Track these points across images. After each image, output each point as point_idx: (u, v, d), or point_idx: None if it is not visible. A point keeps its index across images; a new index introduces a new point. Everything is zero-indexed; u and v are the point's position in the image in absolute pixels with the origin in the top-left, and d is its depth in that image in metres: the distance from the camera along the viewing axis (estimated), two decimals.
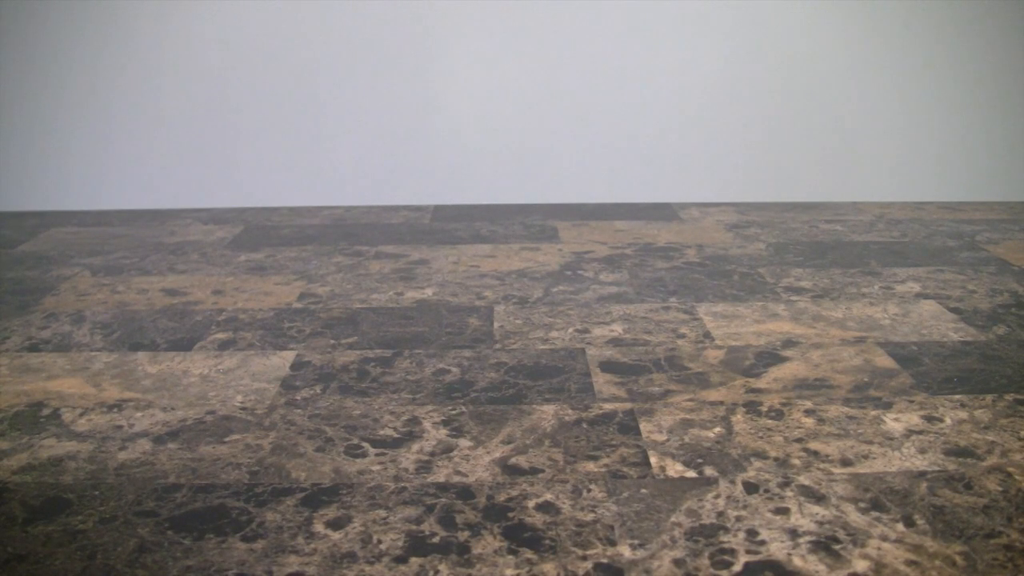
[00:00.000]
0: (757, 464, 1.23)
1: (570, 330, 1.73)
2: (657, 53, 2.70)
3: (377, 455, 1.27)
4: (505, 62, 2.70)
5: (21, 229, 2.56)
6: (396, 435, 1.32)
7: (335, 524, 1.10)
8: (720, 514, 1.11)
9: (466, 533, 1.08)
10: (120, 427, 1.36)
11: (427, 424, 1.36)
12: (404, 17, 2.66)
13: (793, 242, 2.35)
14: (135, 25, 2.65)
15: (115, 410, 1.42)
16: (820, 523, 1.09)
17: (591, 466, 1.23)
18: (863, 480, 1.19)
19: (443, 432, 1.33)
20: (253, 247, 2.34)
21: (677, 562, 1.02)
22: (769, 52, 2.70)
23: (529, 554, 1.04)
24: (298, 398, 1.45)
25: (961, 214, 2.65)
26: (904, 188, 2.82)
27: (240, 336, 1.72)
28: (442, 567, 1.02)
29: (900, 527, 1.08)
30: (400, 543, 1.06)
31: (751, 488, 1.17)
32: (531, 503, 1.14)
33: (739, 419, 1.36)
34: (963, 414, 1.38)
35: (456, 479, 1.20)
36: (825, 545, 1.05)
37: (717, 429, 1.33)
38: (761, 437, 1.31)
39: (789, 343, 1.66)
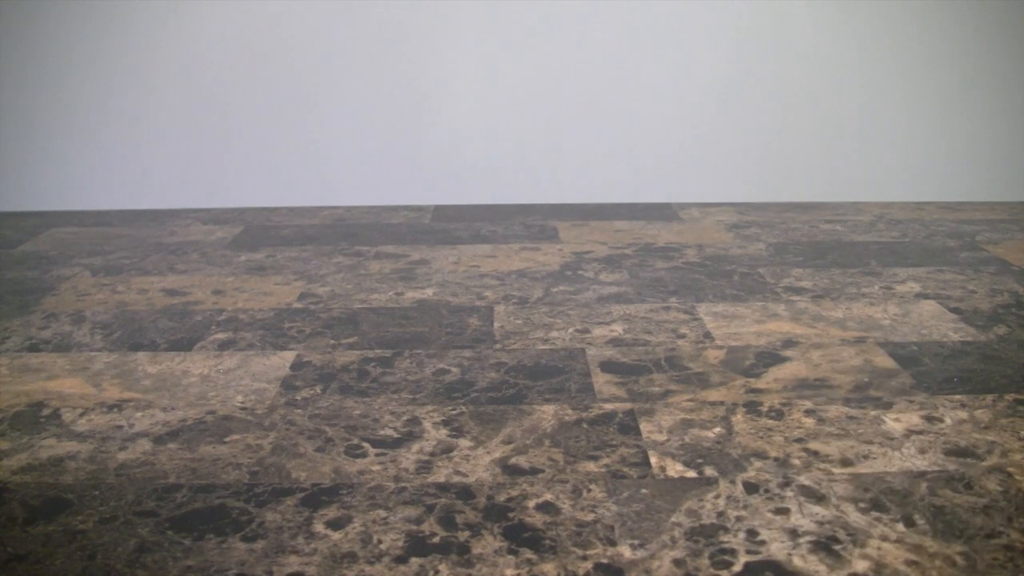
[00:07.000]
0: (757, 464, 1.23)
1: (570, 330, 1.73)
2: (657, 53, 2.70)
3: (377, 455, 1.27)
4: (505, 62, 2.70)
5: (21, 229, 2.56)
6: (396, 435, 1.32)
7: (335, 524, 1.10)
8: (720, 514, 1.11)
9: (466, 533, 1.08)
10: (120, 427, 1.36)
11: (427, 424, 1.36)
12: (404, 17, 2.66)
13: (793, 242, 2.35)
14: (135, 25, 2.65)
15: (115, 410, 1.42)
16: (820, 523, 1.09)
17: (591, 466, 1.23)
18: (863, 480, 1.19)
19: (443, 432, 1.33)
20: (253, 247, 2.34)
21: (677, 562, 1.02)
22: (769, 52, 2.70)
23: (529, 554, 1.04)
24: (298, 398, 1.45)
25: (961, 214, 2.65)
26: (904, 188, 2.82)
27: (240, 336, 1.72)
28: (442, 567, 1.02)
29: (900, 527, 1.08)
30: (400, 543, 1.06)
31: (751, 488, 1.17)
32: (531, 503, 1.14)
33: (739, 419, 1.36)
34: (963, 414, 1.38)
35: (456, 479, 1.20)
36: (825, 545, 1.05)
37: (717, 429, 1.33)
38: (761, 437, 1.31)
39: (789, 343, 1.66)
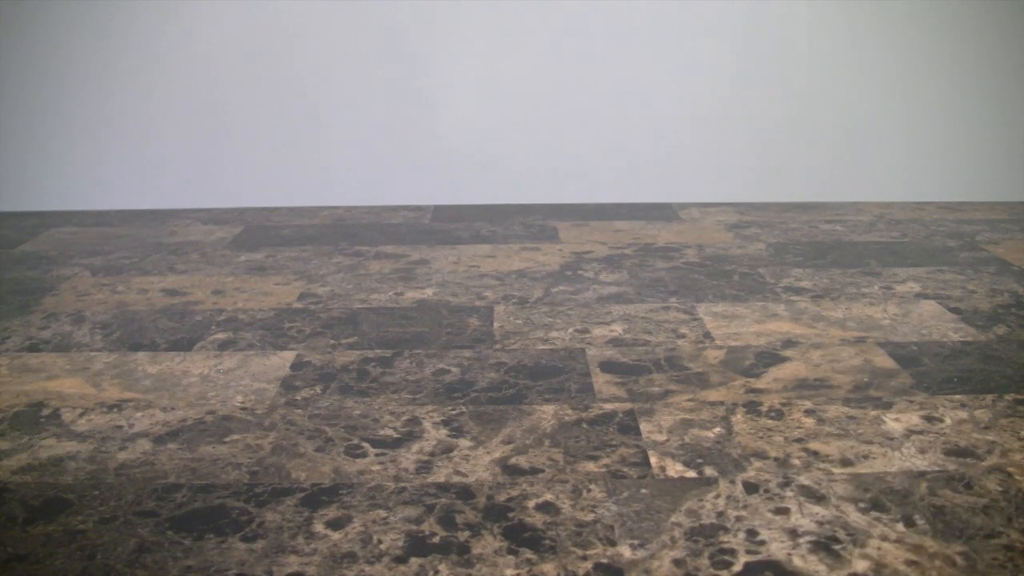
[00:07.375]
0: (757, 464, 1.23)
1: (570, 330, 1.73)
2: (657, 53, 2.70)
3: (377, 455, 1.27)
4: (505, 62, 2.70)
5: (21, 229, 2.56)
6: (396, 435, 1.32)
7: (335, 524, 1.10)
8: (720, 514, 1.11)
9: (466, 533, 1.08)
10: (120, 427, 1.36)
11: (427, 424, 1.36)
12: (404, 17, 2.66)
13: (793, 242, 2.35)
14: (135, 25, 2.65)
15: (115, 410, 1.42)
16: (820, 523, 1.09)
17: (591, 466, 1.23)
18: (863, 480, 1.19)
19: (443, 432, 1.33)
20: (253, 247, 2.34)
21: (677, 562, 1.02)
22: (769, 52, 2.70)
23: (529, 554, 1.04)
24: (298, 398, 1.45)
25: (961, 214, 2.65)
26: (904, 188, 2.82)
27: (240, 336, 1.72)
28: (442, 567, 1.02)
29: (900, 527, 1.08)
30: (400, 543, 1.06)
31: (751, 488, 1.17)
32: (531, 503, 1.14)
33: (739, 419, 1.36)
34: (963, 414, 1.38)
35: (456, 479, 1.20)
36: (825, 545, 1.05)
37: (717, 429, 1.33)
38: (761, 437, 1.31)
39: (789, 343, 1.66)
